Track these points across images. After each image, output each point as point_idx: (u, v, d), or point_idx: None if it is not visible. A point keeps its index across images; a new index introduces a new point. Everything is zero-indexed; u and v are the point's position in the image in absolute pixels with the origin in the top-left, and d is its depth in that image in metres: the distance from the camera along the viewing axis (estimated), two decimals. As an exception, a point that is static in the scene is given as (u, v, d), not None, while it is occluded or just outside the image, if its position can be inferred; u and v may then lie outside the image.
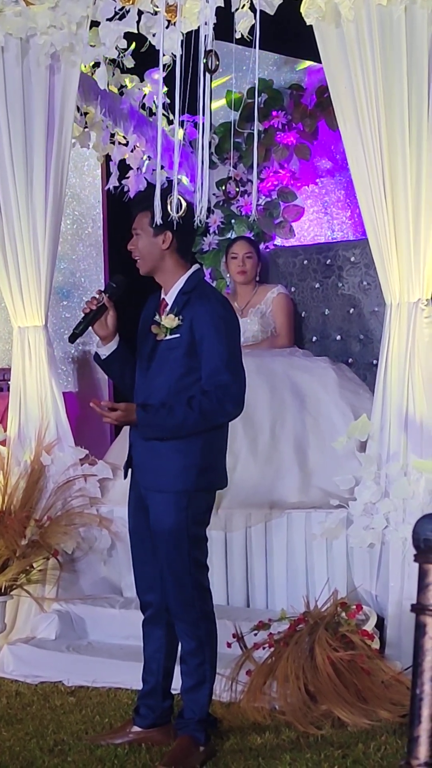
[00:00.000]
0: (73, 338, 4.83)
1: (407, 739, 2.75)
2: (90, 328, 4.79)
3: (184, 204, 4.00)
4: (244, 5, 5.50)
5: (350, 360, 7.69)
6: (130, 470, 4.83)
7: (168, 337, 4.64)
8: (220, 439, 4.73)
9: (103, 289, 4.88)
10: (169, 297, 4.72)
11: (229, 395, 4.58)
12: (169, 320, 4.64)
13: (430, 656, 2.72)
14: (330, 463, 6.47)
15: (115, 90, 7.45)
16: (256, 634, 5.43)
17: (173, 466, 4.61)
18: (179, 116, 4.07)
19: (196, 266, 4.82)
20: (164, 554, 4.65)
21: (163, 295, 4.76)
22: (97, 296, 4.80)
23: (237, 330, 4.75)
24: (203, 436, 4.62)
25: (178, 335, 4.62)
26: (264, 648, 5.32)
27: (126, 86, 7.48)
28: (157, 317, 4.69)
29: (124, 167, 7.82)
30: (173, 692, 4.91)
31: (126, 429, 5.57)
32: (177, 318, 4.62)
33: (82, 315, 4.80)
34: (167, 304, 4.71)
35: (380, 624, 5.60)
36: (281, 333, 7.52)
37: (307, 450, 6.58)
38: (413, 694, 2.72)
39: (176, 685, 4.86)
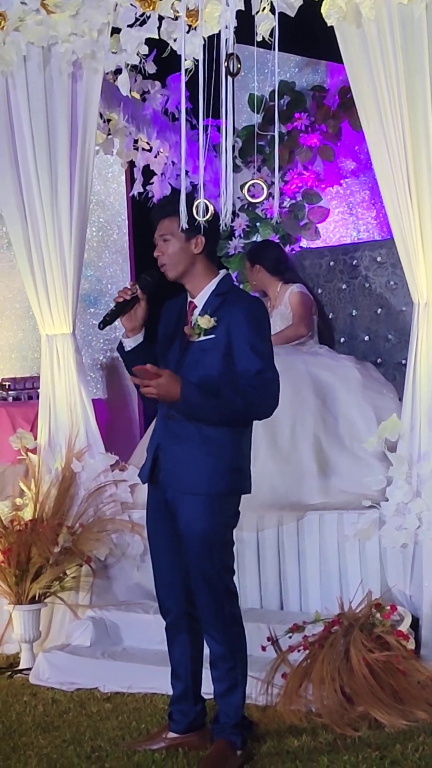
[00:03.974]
0: (103, 325, 4.81)
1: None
2: (119, 319, 4.80)
3: (210, 208, 4.00)
4: (264, 8, 5.50)
5: (379, 360, 7.67)
6: (150, 475, 4.78)
7: (202, 338, 4.62)
8: (248, 443, 4.72)
9: (138, 281, 4.88)
10: (199, 300, 4.70)
11: (272, 390, 4.56)
12: (204, 321, 4.61)
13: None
14: (349, 463, 6.47)
15: (138, 96, 7.46)
16: (290, 637, 5.42)
17: (205, 468, 4.58)
18: (203, 120, 4.06)
19: (224, 271, 4.82)
20: (194, 558, 4.63)
21: (190, 299, 4.75)
22: (131, 287, 4.81)
23: (270, 332, 4.76)
24: (232, 440, 4.60)
25: (212, 336, 4.60)
26: (299, 651, 5.31)
27: (149, 92, 7.50)
28: (192, 318, 4.67)
29: (148, 173, 7.83)
30: (205, 696, 4.90)
31: (149, 432, 5.55)
32: (212, 319, 4.61)
33: (114, 304, 4.82)
34: (196, 307, 4.70)
35: (415, 624, 5.58)
36: (294, 322, 7.48)
37: (326, 450, 6.57)
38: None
39: (208, 688, 4.85)
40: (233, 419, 4.57)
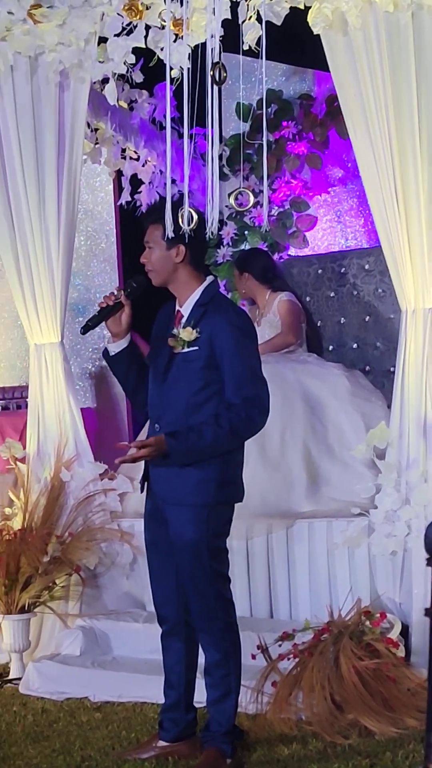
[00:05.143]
0: (85, 329, 4.91)
1: (424, 744, 2.75)
2: (104, 323, 4.87)
3: (195, 217, 4.01)
4: (251, 16, 5.51)
5: (367, 368, 7.68)
6: (146, 483, 4.82)
7: (186, 349, 4.64)
8: (237, 452, 4.73)
9: (123, 286, 4.91)
10: (185, 309, 4.72)
11: (257, 407, 4.58)
12: (186, 333, 4.63)
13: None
14: (338, 471, 6.47)
15: (125, 105, 7.46)
16: (280, 645, 5.42)
17: (192, 479, 4.60)
18: (188, 129, 4.07)
19: (210, 278, 4.83)
20: (185, 567, 4.65)
21: (177, 307, 4.77)
22: (116, 293, 4.86)
23: (255, 340, 4.77)
24: (219, 452, 4.63)
25: (196, 348, 4.62)
26: (289, 659, 5.31)
27: (136, 101, 7.50)
28: (174, 330, 4.69)
29: (136, 182, 7.83)
30: (197, 705, 4.90)
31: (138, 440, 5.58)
32: (195, 331, 4.62)
33: (98, 308, 4.85)
34: (183, 316, 4.71)
35: (405, 632, 5.58)
36: (283, 330, 7.49)
37: (315, 458, 6.57)
38: (429, 699, 2.72)
39: (200, 697, 4.85)
40: (227, 447, 4.61)
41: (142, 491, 4.88)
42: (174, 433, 4.60)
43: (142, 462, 4.83)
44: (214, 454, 4.59)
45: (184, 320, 4.69)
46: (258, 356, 4.69)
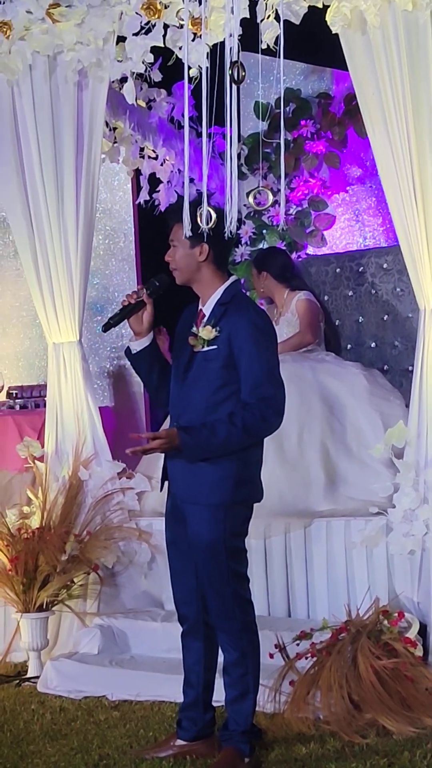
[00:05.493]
0: (106, 327, 4.94)
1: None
2: (127, 321, 4.88)
3: (214, 216, 4.01)
4: (269, 15, 5.51)
5: (386, 367, 7.67)
6: (166, 482, 4.83)
7: (205, 348, 4.64)
8: (256, 452, 4.73)
9: (145, 285, 4.91)
10: (207, 308, 4.73)
11: (272, 407, 4.58)
12: (206, 332, 4.64)
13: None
14: (356, 470, 6.47)
15: (143, 104, 7.47)
16: (298, 644, 5.41)
17: (209, 478, 4.61)
18: (207, 128, 4.07)
19: (233, 278, 4.83)
20: (203, 566, 4.66)
21: (200, 306, 4.77)
22: (138, 291, 4.87)
23: (275, 341, 4.75)
24: (236, 451, 4.62)
25: (215, 347, 4.62)
26: (306, 658, 5.30)
27: (154, 100, 7.51)
28: (194, 329, 4.69)
29: (154, 181, 7.84)
30: (215, 704, 4.90)
31: (151, 432, 5.60)
32: (214, 329, 4.62)
33: (120, 306, 4.87)
34: (204, 315, 4.72)
35: (423, 631, 5.57)
36: (301, 329, 7.48)
37: (333, 457, 6.57)
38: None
39: (218, 696, 4.85)
40: (239, 445, 4.60)
41: (161, 489, 4.89)
42: (187, 427, 4.61)
43: (161, 460, 4.84)
44: (226, 452, 4.59)
45: (205, 319, 4.70)
46: (276, 357, 4.69)
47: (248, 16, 5.34)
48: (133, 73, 6.20)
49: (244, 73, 3.85)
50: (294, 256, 8.20)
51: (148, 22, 5.97)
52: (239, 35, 3.92)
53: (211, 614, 4.72)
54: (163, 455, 4.82)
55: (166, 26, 5.94)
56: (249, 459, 4.68)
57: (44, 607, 6.22)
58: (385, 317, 7.78)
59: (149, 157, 7.72)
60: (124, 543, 6.46)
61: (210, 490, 4.61)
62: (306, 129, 8.24)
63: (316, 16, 5.67)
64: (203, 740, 4.84)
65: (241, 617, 4.68)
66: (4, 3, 6.20)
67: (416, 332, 5.90)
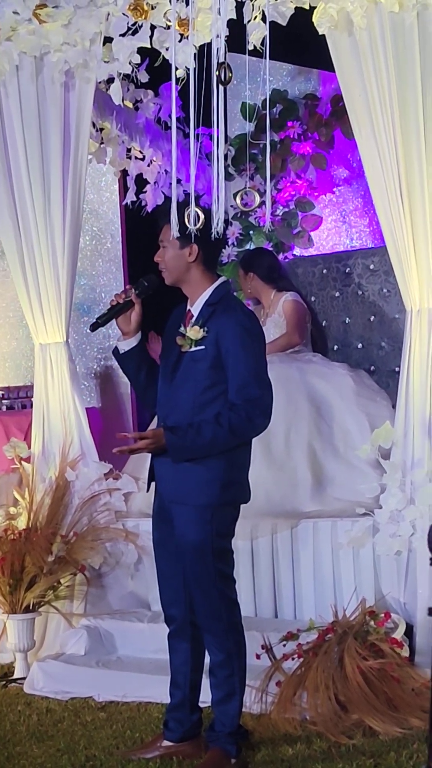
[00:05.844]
0: (94, 327, 4.95)
1: (428, 744, 2.75)
2: (115, 321, 4.89)
3: (202, 216, 4.01)
4: (256, 17, 5.52)
5: (372, 368, 7.68)
6: (152, 483, 4.83)
7: (193, 348, 4.64)
8: (243, 453, 4.73)
9: (134, 285, 4.92)
10: (195, 308, 4.73)
11: (259, 408, 4.58)
12: (194, 332, 4.64)
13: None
14: (343, 471, 6.47)
15: (130, 105, 7.47)
16: (284, 645, 5.42)
17: (195, 479, 4.61)
18: (194, 129, 4.07)
19: (222, 278, 4.84)
20: (189, 567, 4.66)
21: (188, 307, 4.77)
22: (127, 291, 4.87)
23: (262, 342, 4.74)
24: (223, 452, 4.61)
25: (203, 347, 4.62)
26: (293, 659, 5.31)
27: (141, 101, 7.51)
28: (182, 329, 4.69)
29: (141, 182, 7.84)
30: (202, 705, 4.90)
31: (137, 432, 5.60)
32: (202, 330, 4.62)
33: (109, 306, 4.88)
34: (192, 316, 4.72)
35: (409, 632, 5.58)
36: (288, 330, 7.47)
37: (320, 458, 6.57)
38: (432, 699, 2.72)
39: (205, 697, 4.85)
40: (225, 446, 4.60)
41: (148, 490, 4.89)
42: (174, 428, 4.61)
43: (148, 461, 4.84)
44: (212, 453, 4.59)
45: (193, 320, 4.70)
46: (264, 359, 4.69)
47: (235, 17, 5.35)
48: (120, 73, 6.20)
49: (230, 74, 3.86)
50: (281, 257, 8.20)
51: (135, 23, 5.97)
52: (226, 36, 3.93)
53: (198, 615, 4.72)
54: (149, 456, 4.83)
55: (153, 27, 5.94)
56: (236, 460, 4.68)
57: (31, 608, 6.22)
58: (372, 318, 7.79)
59: (136, 158, 7.72)
60: (110, 544, 6.46)
61: (197, 490, 4.61)
62: (293, 130, 8.25)
63: (302, 17, 5.67)
64: (190, 741, 4.84)
65: (227, 618, 4.68)
66: (-9, 4, 6.20)
67: (403, 333, 5.91)
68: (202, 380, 4.62)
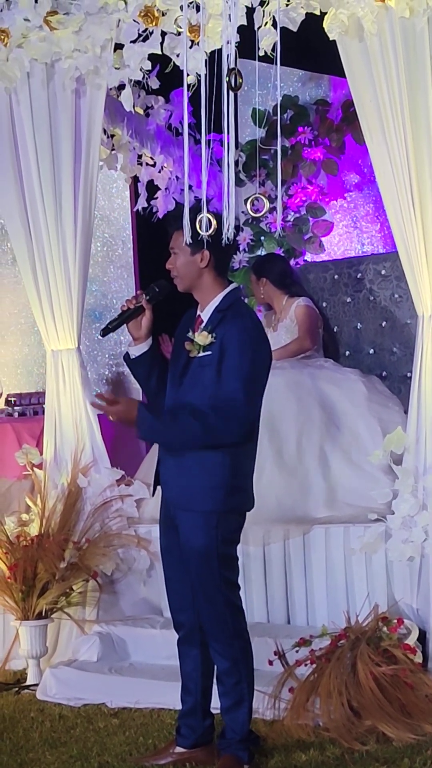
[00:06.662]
0: (104, 332, 4.94)
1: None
2: (126, 326, 4.90)
3: (213, 222, 4.01)
4: (266, 22, 5.52)
5: (384, 373, 7.67)
6: (158, 487, 4.82)
7: (200, 354, 4.64)
8: (247, 461, 4.73)
9: (145, 290, 4.92)
10: (205, 314, 4.73)
11: (237, 415, 4.55)
12: (202, 337, 4.64)
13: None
14: (355, 476, 6.46)
15: (141, 111, 7.48)
16: (297, 651, 5.41)
17: (200, 484, 4.61)
18: (205, 135, 4.07)
19: (234, 285, 4.83)
20: (194, 573, 4.66)
21: (198, 312, 4.77)
22: (138, 296, 4.88)
23: (263, 352, 4.71)
24: (230, 457, 4.61)
25: (210, 352, 4.62)
26: (306, 665, 5.30)
27: (152, 107, 7.52)
28: (190, 334, 4.70)
29: (152, 188, 7.85)
30: (213, 711, 4.89)
31: (155, 447, 5.59)
32: (210, 335, 4.62)
33: (119, 312, 4.88)
34: (202, 321, 4.72)
35: (422, 637, 5.57)
36: (299, 336, 7.47)
37: (332, 463, 6.56)
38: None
39: (216, 703, 4.84)
40: (193, 444, 4.59)
41: (153, 494, 4.90)
42: (151, 407, 4.66)
43: (150, 467, 4.83)
44: (182, 445, 4.61)
45: (202, 325, 4.70)
46: (259, 369, 4.65)
47: (245, 24, 5.35)
48: (131, 80, 6.20)
49: (241, 80, 3.86)
50: (292, 262, 8.20)
51: (146, 29, 5.97)
52: (237, 42, 3.93)
53: (203, 621, 4.71)
54: (156, 460, 4.83)
55: (163, 33, 5.95)
56: (240, 467, 4.68)
57: (43, 614, 6.22)
58: (384, 323, 7.78)
59: (147, 164, 7.73)
60: (123, 550, 6.46)
61: (202, 496, 4.61)
62: (304, 136, 8.25)
63: (313, 23, 5.68)
64: (202, 747, 4.84)
65: (232, 624, 4.68)
66: (2, 11, 6.21)
67: (414, 338, 5.91)
68: (210, 385, 4.61)
